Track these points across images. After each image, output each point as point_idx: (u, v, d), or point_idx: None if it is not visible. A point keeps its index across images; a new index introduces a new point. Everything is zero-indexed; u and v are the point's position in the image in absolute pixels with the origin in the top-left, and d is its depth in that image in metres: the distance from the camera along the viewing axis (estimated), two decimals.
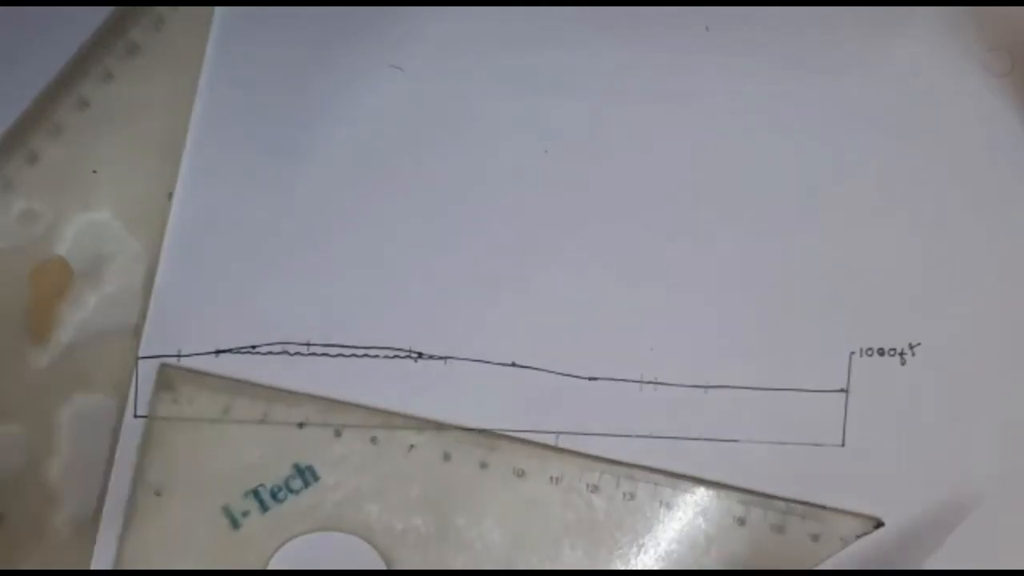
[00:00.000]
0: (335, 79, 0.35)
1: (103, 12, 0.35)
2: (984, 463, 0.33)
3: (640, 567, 0.34)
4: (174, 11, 0.35)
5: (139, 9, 0.35)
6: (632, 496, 0.34)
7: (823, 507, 0.34)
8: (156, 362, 0.34)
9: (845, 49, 0.34)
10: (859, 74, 0.34)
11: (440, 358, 0.34)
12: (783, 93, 0.34)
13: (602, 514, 0.34)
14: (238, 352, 0.34)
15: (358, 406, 0.34)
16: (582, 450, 0.34)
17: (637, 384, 0.34)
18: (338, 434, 0.34)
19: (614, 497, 0.34)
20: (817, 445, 0.34)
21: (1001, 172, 0.34)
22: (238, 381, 0.34)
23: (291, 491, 0.34)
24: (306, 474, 0.34)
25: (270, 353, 0.34)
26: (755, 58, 0.34)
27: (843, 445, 0.34)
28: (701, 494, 0.34)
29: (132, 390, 0.34)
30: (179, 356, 0.34)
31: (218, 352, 0.34)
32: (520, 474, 0.34)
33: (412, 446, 0.34)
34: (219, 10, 0.35)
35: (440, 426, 0.34)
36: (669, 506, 0.34)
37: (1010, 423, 0.33)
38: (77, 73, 0.35)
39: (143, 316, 0.35)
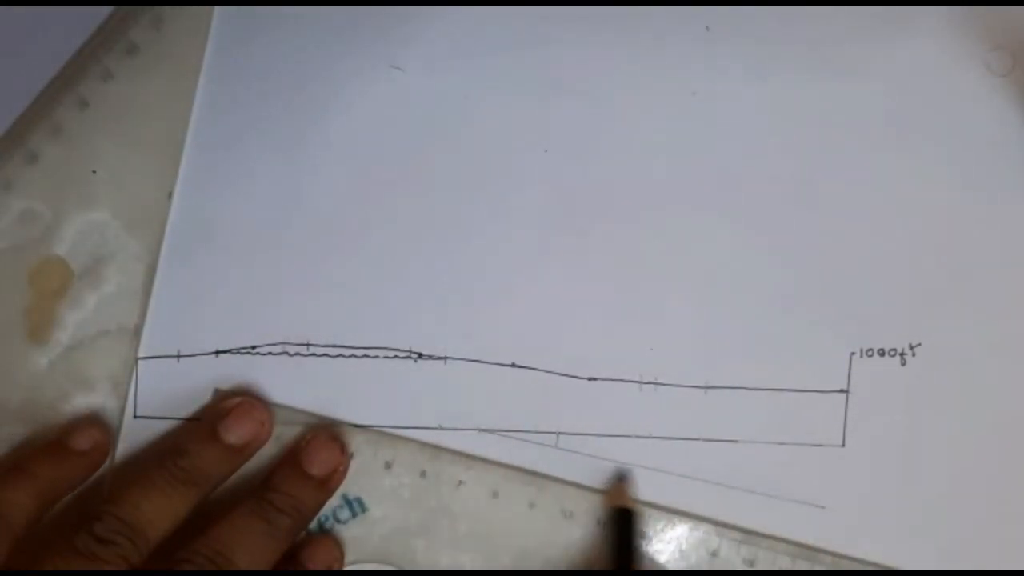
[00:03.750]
0: (335, 79, 0.35)
1: (103, 12, 0.35)
2: (984, 463, 0.33)
3: None
4: (174, 11, 0.35)
5: (139, 9, 0.35)
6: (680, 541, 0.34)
7: None
8: (158, 362, 0.35)
9: (847, 49, 0.34)
10: (861, 74, 0.34)
11: (440, 358, 0.34)
12: (784, 93, 0.34)
13: (647, 561, 0.34)
14: (238, 352, 0.34)
15: (409, 440, 0.34)
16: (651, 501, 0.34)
17: (637, 384, 0.34)
18: (388, 467, 0.34)
19: (659, 541, 0.34)
20: (817, 445, 0.34)
21: (1002, 171, 0.34)
22: (287, 408, 0.34)
23: (338, 521, 0.34)
24: (354, 505, 0.34)
25: (270, 353, 0.34)
26: (755, 58, 0.34)
27: (843, 445, 0.34)
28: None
29: (132, 390, 0.34)
30: (179, 356, 0.34)
31: (218, 352, 0.34)
32: (568, 515, 0.34)
33: (461, 482, 0.34)
34: (219, 10, 0.35)
35: (489, 463, 0.34)
36: (715, 554, 0.34)
37: (1010, 423, 0.33)
38: (77, 73, 0.35)
39: (143, 316, 0.35)
